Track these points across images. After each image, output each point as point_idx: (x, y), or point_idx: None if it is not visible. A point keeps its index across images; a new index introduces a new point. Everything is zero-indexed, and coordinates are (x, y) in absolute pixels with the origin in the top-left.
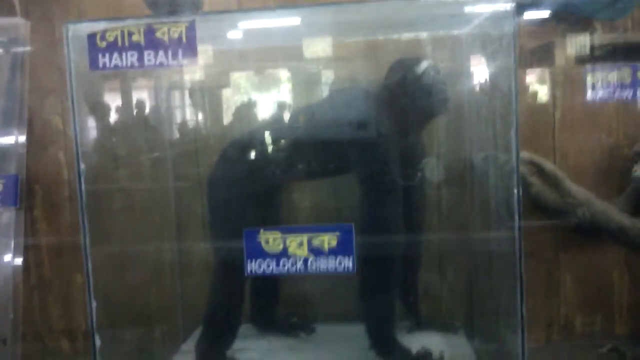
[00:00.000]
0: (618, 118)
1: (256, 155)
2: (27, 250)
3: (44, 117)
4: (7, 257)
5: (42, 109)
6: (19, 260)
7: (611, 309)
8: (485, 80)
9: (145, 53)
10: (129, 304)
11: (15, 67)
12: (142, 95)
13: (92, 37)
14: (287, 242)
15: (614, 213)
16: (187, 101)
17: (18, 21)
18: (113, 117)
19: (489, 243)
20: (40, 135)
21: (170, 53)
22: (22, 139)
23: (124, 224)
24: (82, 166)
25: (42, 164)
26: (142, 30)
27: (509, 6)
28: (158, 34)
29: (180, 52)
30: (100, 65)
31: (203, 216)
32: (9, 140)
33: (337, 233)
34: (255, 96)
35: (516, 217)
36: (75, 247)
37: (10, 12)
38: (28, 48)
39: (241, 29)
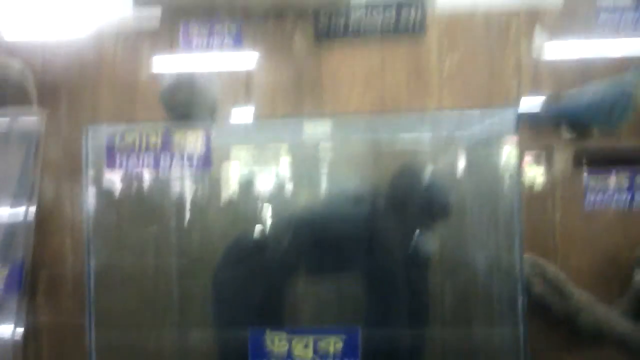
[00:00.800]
0: (617, 220)
1: (258, 254)
2: (27, 335)
3: (54, 203)
4: (8, 342)
5: (52, 196)
6: (18, 345)
7: None
8: (488, 183)
9: (162, 156)
10: None
11: (29, 155)
12: (150, 182)
13: (110, 137)
14: (293, 343)
15: (616, 319)
16: (195, 191)
17: (34, 111)
18: (120, 202)
19: (492, 343)
20: (48, 222)
21: (185, 159)
22: (31, 224)
23: (125, 311)
24: (93, 262)
25: (48, 249)
26: (159, 133)
27: (510, 115)
28: (175, 139)
29: (195, 159)
30: (117, 165)
31: (204, 302)
32: (18, 224)
33: (343, 336)
34: (257, 190)
35: (520, 322)
36: (76, 332)
37: (28, 102)
38: (43, 137)
39: (251, 132)
